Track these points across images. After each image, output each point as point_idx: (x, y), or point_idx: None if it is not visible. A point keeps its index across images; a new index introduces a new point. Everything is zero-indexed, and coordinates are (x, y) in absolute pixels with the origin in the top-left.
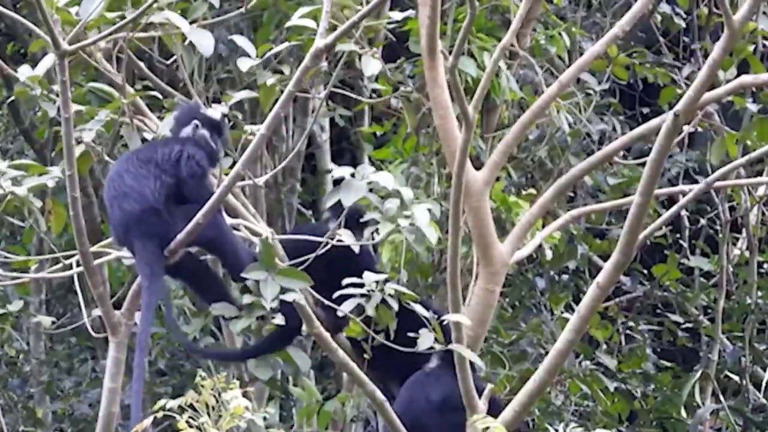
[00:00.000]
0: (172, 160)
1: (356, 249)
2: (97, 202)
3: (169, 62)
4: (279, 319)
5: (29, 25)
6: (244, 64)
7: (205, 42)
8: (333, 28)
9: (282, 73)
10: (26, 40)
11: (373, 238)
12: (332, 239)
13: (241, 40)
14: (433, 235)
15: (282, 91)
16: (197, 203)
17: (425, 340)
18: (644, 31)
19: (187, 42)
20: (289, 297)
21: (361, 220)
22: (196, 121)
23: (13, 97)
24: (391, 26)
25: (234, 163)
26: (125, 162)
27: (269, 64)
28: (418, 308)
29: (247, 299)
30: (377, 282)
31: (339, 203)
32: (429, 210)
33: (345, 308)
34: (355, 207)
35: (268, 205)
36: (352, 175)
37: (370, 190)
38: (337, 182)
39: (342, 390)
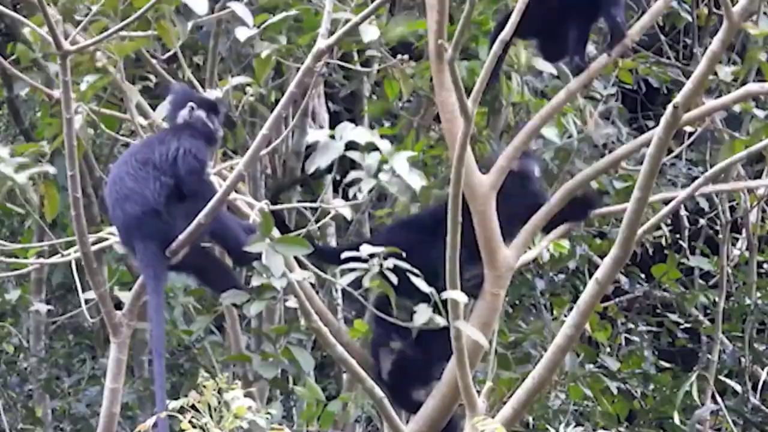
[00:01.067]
0: (170, 160)
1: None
2: (97, 202)
3: (167, 54)
4: (292, 302)
5: (31, 26)
6: (241, 34)
7: (197, 2)
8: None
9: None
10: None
11: (356, 197)
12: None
13: (240, 8)
14: (416, 181)
15: (277, 63)
16: (197, 199)
17: (423, 314)
18: (645, 32)
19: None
20: (296, 277)
21: (345, 181)
22: (191, 103)
23: (13, 95)
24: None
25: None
26: (124, 164)
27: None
28: (420, 283)
29: (255, 281)
30: (373, 255)
31: None
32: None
33: (343, 282)
34: None
35: None
36: (332, 137)
37: (350, 149)
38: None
39: (342, 390)
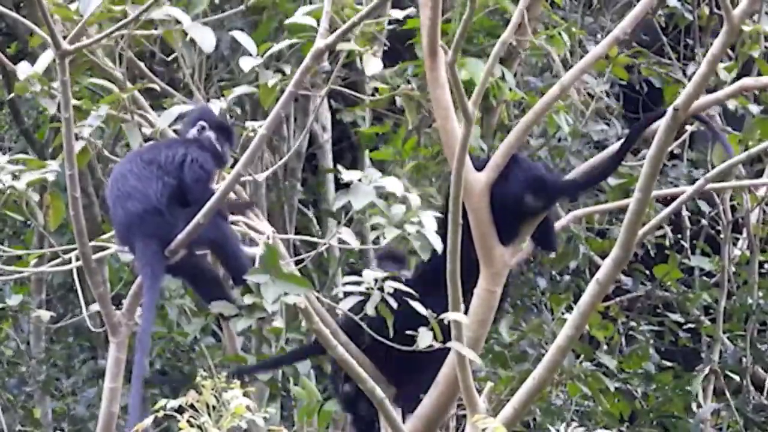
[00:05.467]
0: (176, 164)
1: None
2: (97, 202)
3: (169, 59)
4: (279, 322)
5: (30, 25)
6: (245, 64)
7: (206, 38)
8: (333, 28)
9: (283, 73)
10: (28, 41)
11: (377, 243)
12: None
13: (243, 38)
14: (438, 243)
15: (282, 91)
16: (201, 207)
17: (424, 338)
18: (646, 31)
19: (188, 38)
20: (290, 300)
21: (367, 224)
22: (202, 122)
23: (13, 95)
24: (392, 26)
25: (235, 162)
26: (128, 162)
27: (270, 63)
28: (418, 306)
29: (248, 299)
30: (376, 280)
31: None
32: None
33: (344, 306)
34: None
35: (269, 205)
36: (359, 180)
37: (378, 195)
38: (339, 183)
39: None
